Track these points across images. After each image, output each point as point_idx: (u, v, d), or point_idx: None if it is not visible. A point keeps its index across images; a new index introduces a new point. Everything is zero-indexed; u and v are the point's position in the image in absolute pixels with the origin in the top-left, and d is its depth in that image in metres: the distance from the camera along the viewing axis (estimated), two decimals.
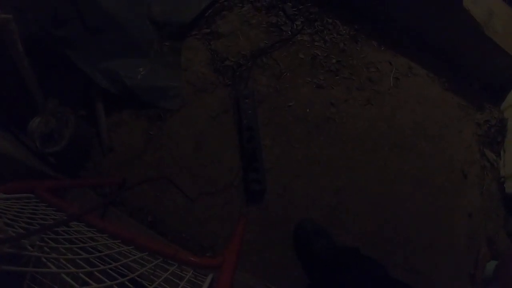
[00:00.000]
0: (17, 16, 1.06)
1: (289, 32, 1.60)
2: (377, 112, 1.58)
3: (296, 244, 1.37)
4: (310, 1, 1.66)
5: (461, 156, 1.65)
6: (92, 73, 1.33)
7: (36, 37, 1.24)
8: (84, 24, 1.29)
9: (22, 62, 1.13)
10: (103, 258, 0.60)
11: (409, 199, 1.52)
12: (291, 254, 1.37)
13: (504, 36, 1.54)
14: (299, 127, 1.49)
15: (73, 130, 1.20)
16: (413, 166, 1.56)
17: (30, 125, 1.17)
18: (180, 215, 1.35)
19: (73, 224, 0.69)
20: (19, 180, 0.75)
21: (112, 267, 0.56)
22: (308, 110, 1.51)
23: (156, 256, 0.67)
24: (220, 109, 1.46)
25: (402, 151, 1.56)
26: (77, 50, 1.31)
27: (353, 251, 1.23)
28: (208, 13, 1.59)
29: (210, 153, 1.41)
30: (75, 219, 0.69)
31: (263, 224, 1.38)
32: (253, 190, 1.37)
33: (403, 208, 1.51)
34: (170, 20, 1.50)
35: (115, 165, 1.37)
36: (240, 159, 1.42)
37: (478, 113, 1.74)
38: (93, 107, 1.38)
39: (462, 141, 1.67)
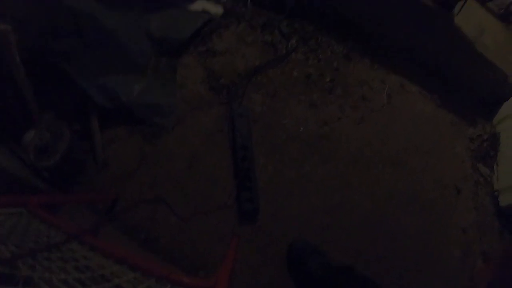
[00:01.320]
0: (16, 27, 1.07)
1: (284, 51, 1.62)
2: (370, 130, 1.59)
3: (290, 264, 1.36)
4: (306, 20, 1.69)
5: (454, 171, 1.66)
6: (89, 88, 1.34)
7: (34, 49, 1.24)
8: (82, 38, 1.30)
9: (19, 73, 1.13)
10: (96, 277, 0.60)
11: (403, 216, 1.52)
12: (284, 274, 1.36)
13: (495, 51, 1.56)
14: (293, 145, 1.50)
15: (68, 144, 1.20)
16: (406, 183, 1.57)
17: (25, 137, 1.16)
18: (174, 234, 1.35)
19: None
20: (11, 194, 0.75)
21: None
22: (301, 128, 1.52)
23: (149, 276, 0.67)
24: (215, 128, 1.47)
25: (395, 168, 1.57)
26: (75, 64, 1.32)
27: (347, 270, 1.23)
28: (204, 30, 1.61)
29: (204, 171, 1.42)
30: (72, 240, 0.69)
31: (256, 244, 1.38)
32: (246, 210, 1.37)
33: (397, 225, 1.51)
34: (168, 37, 1.51)
35: (109, 181, 1.37)
36: (234, 178, 1.43)
37: (471, 128, 1.76)
38: (88, 121, 1.38)
39: (455, 156, 1.68)
